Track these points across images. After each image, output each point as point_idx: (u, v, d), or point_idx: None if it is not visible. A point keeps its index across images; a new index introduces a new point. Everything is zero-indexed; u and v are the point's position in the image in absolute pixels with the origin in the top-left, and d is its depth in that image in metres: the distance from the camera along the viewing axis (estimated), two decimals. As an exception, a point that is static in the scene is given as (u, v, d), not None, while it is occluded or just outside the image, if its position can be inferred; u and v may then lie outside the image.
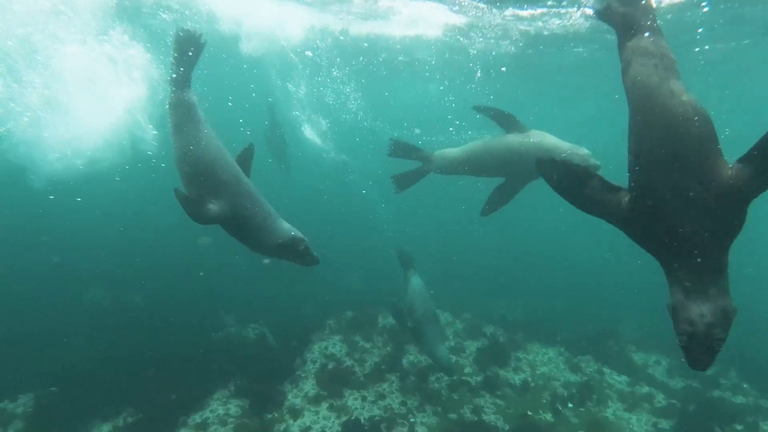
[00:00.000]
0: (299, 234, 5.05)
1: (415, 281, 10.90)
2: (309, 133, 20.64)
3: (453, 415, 10.59)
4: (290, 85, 19.95)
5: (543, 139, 7.26)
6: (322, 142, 21.46)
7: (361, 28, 16.31)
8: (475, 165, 7.86)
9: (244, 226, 4.94)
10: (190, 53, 5.54)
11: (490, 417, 10.69)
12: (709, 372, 13.39)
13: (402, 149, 8.29)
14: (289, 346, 12.82)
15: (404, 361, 12.39)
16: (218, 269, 19.70)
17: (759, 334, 14.81)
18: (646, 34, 3.58)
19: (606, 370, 13.16)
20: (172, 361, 11.54)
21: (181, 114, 5.30)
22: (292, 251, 4.97)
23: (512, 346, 13.80)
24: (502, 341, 13.92)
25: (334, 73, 19.52)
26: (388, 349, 12.96)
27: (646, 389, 12.39)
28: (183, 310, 15.55)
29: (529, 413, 11.04)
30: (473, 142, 8.08)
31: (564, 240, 33.12)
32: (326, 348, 12.80)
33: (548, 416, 10.99)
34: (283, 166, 16.99)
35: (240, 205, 4.88)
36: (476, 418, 10.55)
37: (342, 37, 17.12)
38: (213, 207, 4.75)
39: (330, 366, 11.84)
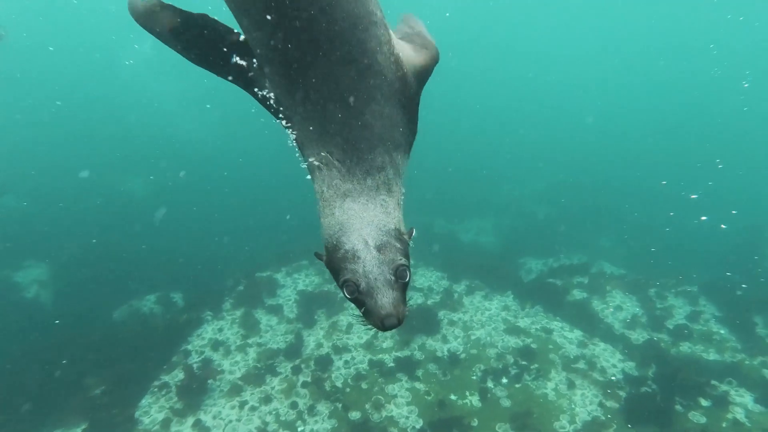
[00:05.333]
0: None
1: None
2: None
3: (355, 414, 8.71)
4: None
5: None
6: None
7: None
8: None
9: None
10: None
11: (401, 411, 8.81)
12: (683, 315, 11.31)
13: None
14: (175, 331, 10.78)
15: (310, 341, 10.37)
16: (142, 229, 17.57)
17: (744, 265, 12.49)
18: None
19: (556, 324, 11.09)
20: (25, 369, 9.59)
21: None
22: None
23: (446, 305, 11.67)
24: (431, 303, 11.73)
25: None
26: (292, 325, 10.89)
27: (600, 347, 10.40)
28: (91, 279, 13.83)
29: (452, 397, 9.16)
30: None
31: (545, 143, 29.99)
32: (220, 330, 10.75)
33: (475, 399, 9.10)
34: None
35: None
36: (382, 416, 8.68)
37: None
38: None
39: (214, 359, 9.84)
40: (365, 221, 2.23)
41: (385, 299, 2.05)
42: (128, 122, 27.59)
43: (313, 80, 2.20)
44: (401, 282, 2.14)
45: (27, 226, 16.74)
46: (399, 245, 2.22)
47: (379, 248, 2.16)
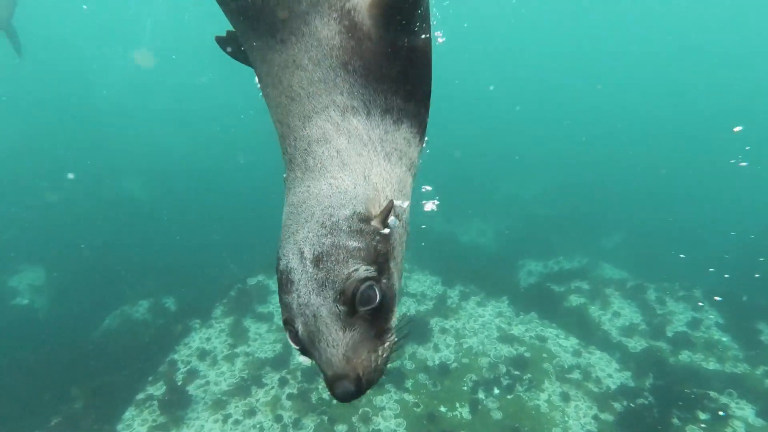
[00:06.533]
0: None
1: None
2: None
3: (341, 428, 8.51)
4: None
5: None
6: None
7: None
8: None
9: None
10: None
11: (389, 423, 8.59)
12: (683, 322, 10.94)
13: None
14: (164, 340, 10.65)
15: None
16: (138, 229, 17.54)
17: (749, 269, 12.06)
18: None
19: (551, 332, 10.79)
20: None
21: None
22: None
23: (439, 311, 11.40)
24: (424, 310, 11.47)
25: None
26: (282, 333, 10.70)
27: (596, 356, 10.09)
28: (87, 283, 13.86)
29: (442, 409, 8.92)
30: None
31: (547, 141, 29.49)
32: (207, 339, 10.60)
33: (465, 411, 8.85)
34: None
35: None
36: (369, 430, 8.47)
37: None
38: None
39: (200, 369, 9.69)
40: (302, 218, 1.57)
41: (330, 350, 1.35)
42: (115, 132, 27.86)
43: (258, 63, 1.99)
44: (365, 309, 1.40)
45: (22, 230, 16.76)
46: (357, 243, 1.47)
47: (317, 260, 1.41)
